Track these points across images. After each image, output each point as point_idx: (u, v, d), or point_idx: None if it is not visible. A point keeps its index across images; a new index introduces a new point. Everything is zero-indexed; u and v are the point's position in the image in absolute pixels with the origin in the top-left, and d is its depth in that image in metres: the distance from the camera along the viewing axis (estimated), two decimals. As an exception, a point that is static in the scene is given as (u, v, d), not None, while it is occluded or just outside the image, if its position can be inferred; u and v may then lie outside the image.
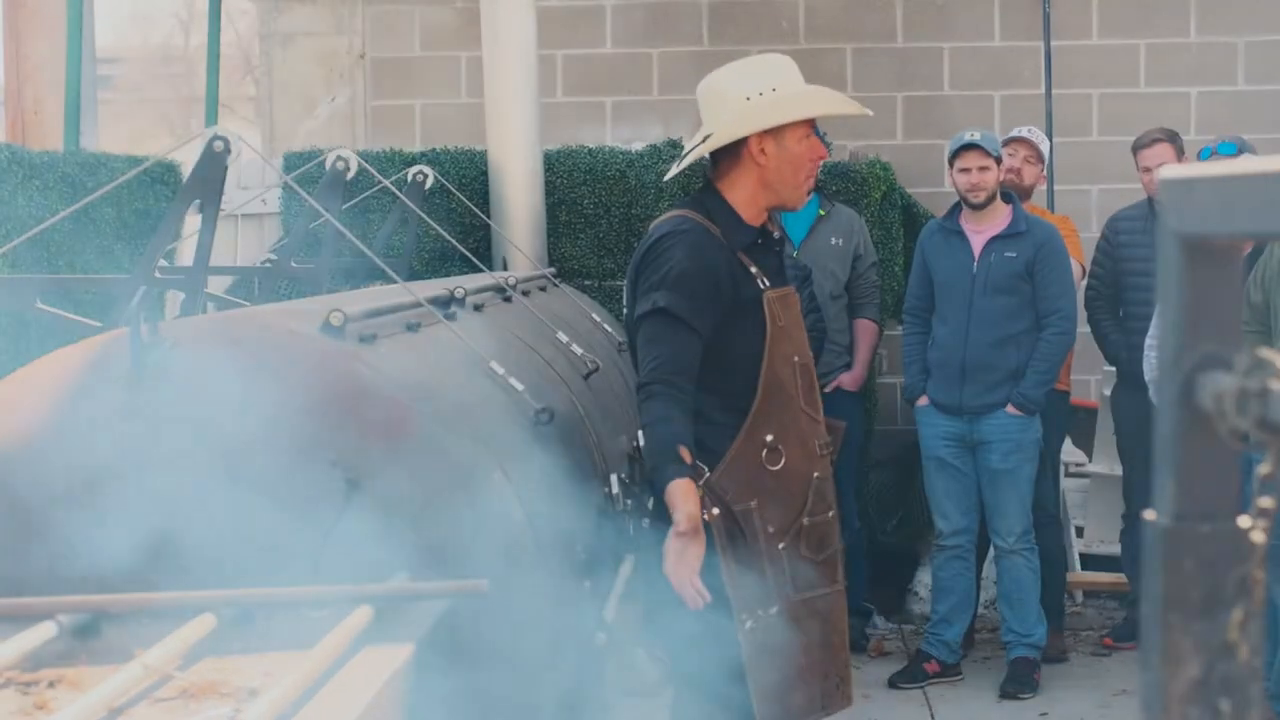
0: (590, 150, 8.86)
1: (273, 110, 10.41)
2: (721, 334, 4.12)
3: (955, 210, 7.56)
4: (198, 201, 4.54)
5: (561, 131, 9.41)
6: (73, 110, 8.53)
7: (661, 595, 4.08)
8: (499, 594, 3.15)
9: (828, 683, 4.27)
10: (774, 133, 4.16)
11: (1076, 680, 7.60)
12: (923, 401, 7.53)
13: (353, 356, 3.66)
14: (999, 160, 7.41)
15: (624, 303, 4.38)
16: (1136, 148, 7.83)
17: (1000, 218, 7.43)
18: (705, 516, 4.00)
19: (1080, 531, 9.15)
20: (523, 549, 3.66)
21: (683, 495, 3.95)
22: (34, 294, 4.65)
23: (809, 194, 4.44)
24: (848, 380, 8.03)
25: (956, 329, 7.38)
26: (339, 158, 6.13)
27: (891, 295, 8.51)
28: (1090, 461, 9.19)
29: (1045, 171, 8.42)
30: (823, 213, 8.01)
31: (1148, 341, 6.99)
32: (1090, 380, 9.34)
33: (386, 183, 5.63)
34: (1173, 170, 1.49)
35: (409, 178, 7.37)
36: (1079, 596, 8.84)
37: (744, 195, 4.22)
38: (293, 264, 6.44)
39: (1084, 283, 8.02)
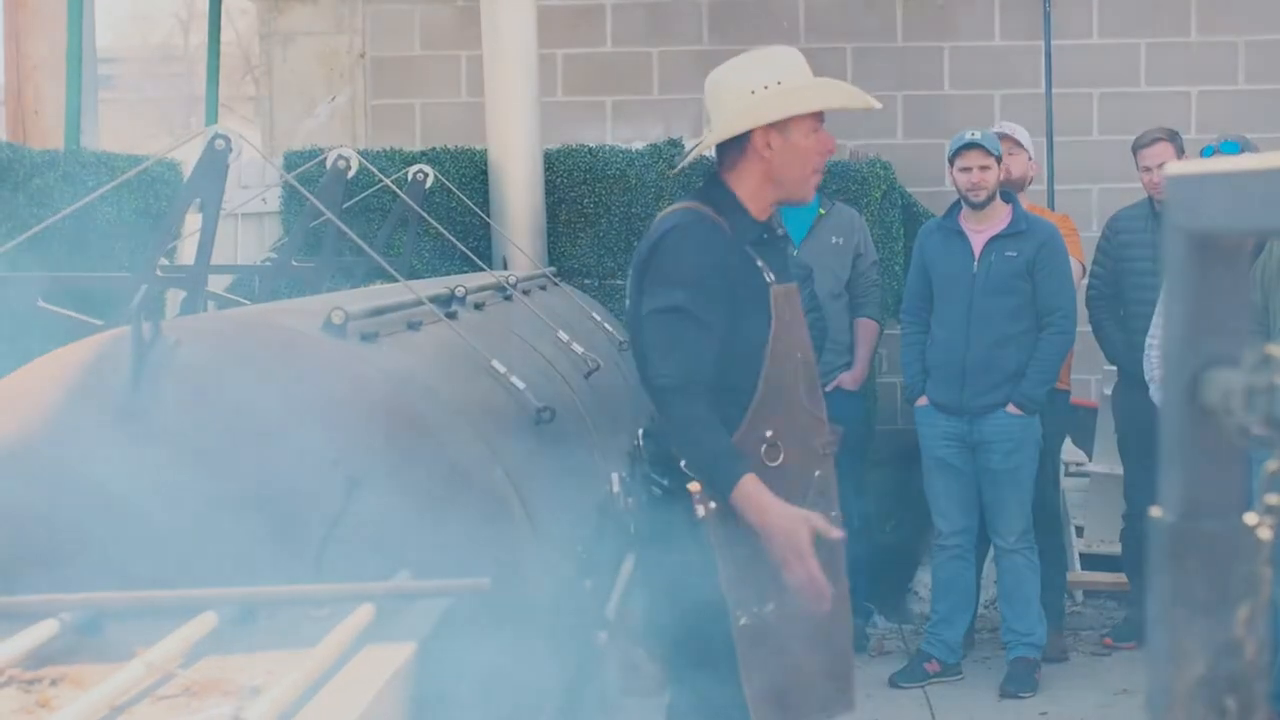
0: (590, 149, 8.86)
1: (273, 110, 10.41)
2: (727, 328, 4.06)
3: (954, 210, 7.55)
4: (198, 200, 4.53)
5: (561, 131, 9.40)
6: (73, 109, 8.53)
7: (658, 593, 4.06)
8: (500, 592, 3.15)
9: (829, 685, 4.21)
10: (780, 126, 4.12)
11: (1077, 680, 7.59)
12: (922, 402, 7.52)
13: (355, 355, 3.66)
14: (999, 159, 7.41)
15: (627, 296, 4.28)
16: (1137, 147, 7.83)
17: (1000, 217, 7.42)
18: (702, 511, 3.98)
19: (1080, 531, 9.14)
20: (524, 547, 3.66)
21: (759, 487, 3.92)
22: (36, 292, 4.65)
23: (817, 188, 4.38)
24: (848, 379, 8.03)
25: (956, 329, 7.37)
26: (340, 156, 6.13)
27: (892, 295, 8.50)
28: (1091, 461, 9.18)
29: (1037, 160, 8.39)
30: (823, 212, 8.01)
31: (1148, 341, 7.00)
32: (1091, 380, 9.33)
33: (387, 182, 5.63)
34: (1180, 167, 1.49)
35: (409, 177, 7.36)
36: (1079, 596, 8.84)
37: (750, 189, 4.17)
38: (293, 263, 6.44)
39: (1084, 282, 8.01)
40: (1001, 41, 9.85)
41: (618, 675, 5.04)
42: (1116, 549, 8.49)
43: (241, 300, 6.03)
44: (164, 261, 4.82)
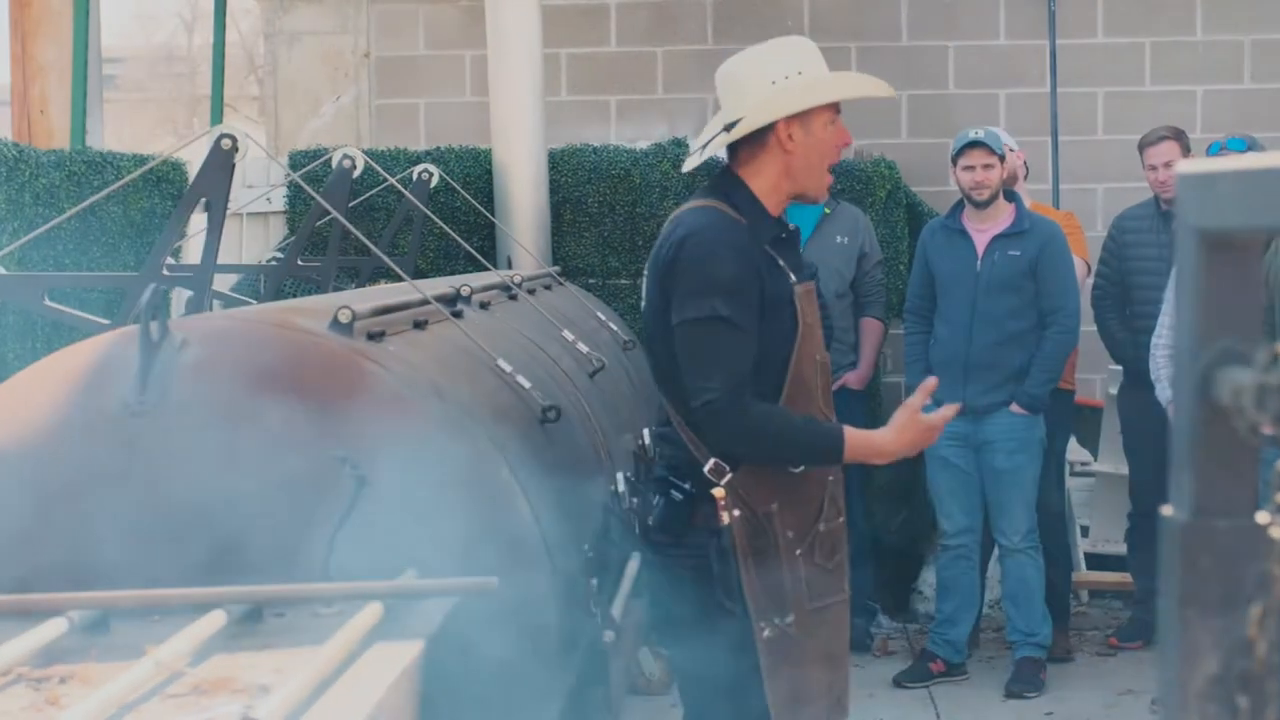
0: (595, 149, 8.86)
1: (277, 109, 10.42)
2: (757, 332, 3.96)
3: (957, 209, 7.54)
4: (204, 200, 4.53)
5: (566, 130, 9.41)
6: (79, 109, 8.55)
7: (674, 599, 4.00)
8: (506, 591, 3.15)
9: (831, 695, 4.16)
10: (801, 118, 3.98)
11: (1082, 680, 7.59)
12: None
13: (361, 354, 3.66)
14: (1003, 158, 7.40)
15: (643, 298, 4.18)
16: (1143, 146, 7.82)
17: (1003, 216, 7.42)
18: (727, 519, 3.88)
19: (1085, 531, 9.14)
20: (530, 546, 3.66)
21: (856, 434, 3.96)
22: (42, 291, 4.65)
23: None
24: (853, 379, 8.03)
25: (960, 328, 7.37)
26: (346, 156, 6.14)
27: (896, 294, 8.50)
28: (1096, 460, 9.18)
29: (1023, 150, 8.36)
30: (828, 211, 8.01)
31: (1154, 340, 6.99)
32: (1096, 379, 9.33)
33: (392, 181, 5.63)
34: (1192, 165, 1.49)
35: (414, 176, 7.37)
36: (1084, 596, 8.83)
37: (767, 184, 4.04)
38: (299, 262, 6.44)
39: (1089, 280, 8.01)
40: (1006, 40, 9.85)
41: (624, 675, 5.04)
42: (1122, 549, 8.48)
43: (247, 299, 6.04)
44: (170, 260, 4.81)
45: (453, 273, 7.53)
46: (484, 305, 5.29)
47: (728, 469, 3.90)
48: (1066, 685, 7.49)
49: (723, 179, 4.10)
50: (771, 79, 3.99)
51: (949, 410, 4.10)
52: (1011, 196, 7.49)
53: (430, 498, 3.43)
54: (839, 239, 8.01)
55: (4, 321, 5.82)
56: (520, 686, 3.46)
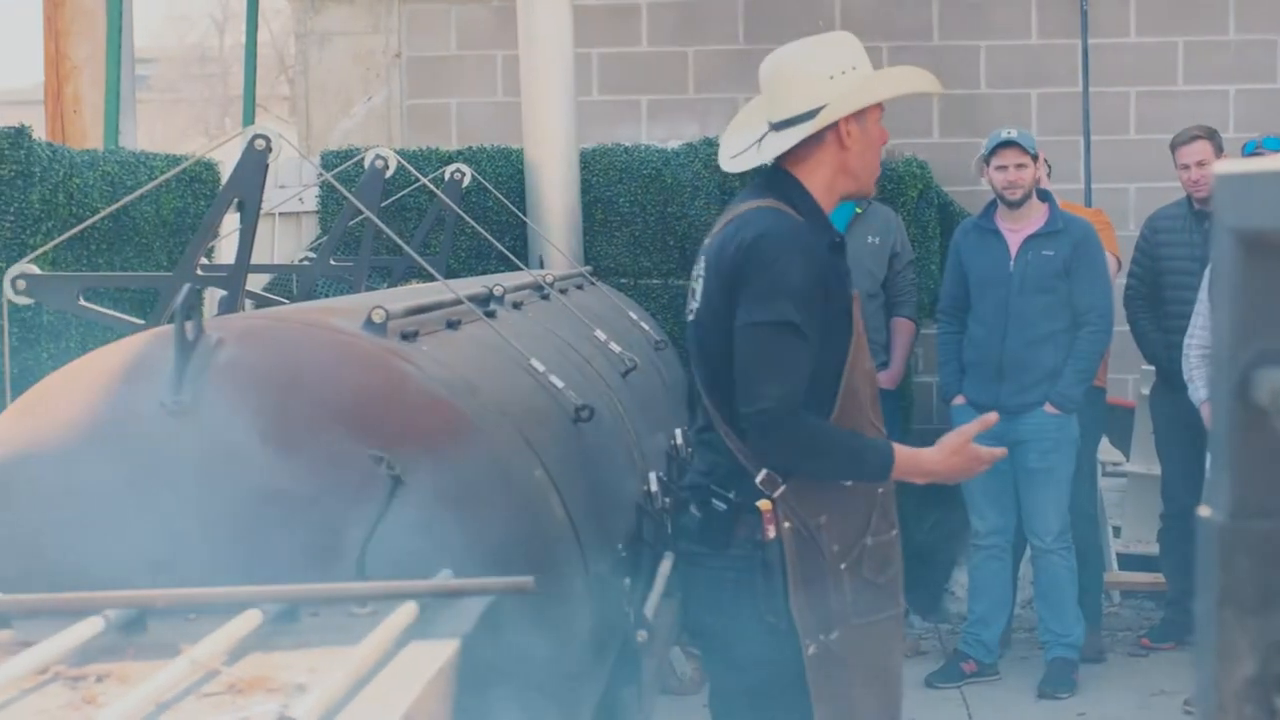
0: (626, 149, 8.87)
1: (309, 109, 10.45)
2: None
3: (990, 209, 7.54)
4: (237, 200, 4.54)
5: (597, 130, 9.42)
6: (112, 109, 8.58)
7: (713, 611, 3.94)
8: (539, 591, 3.15)
9: (884, 716, 4.05)
10: (858, 114, 3.91)
11: (1114, 680, 7.57)
12: (959, 401, 7.51)
13: (395, 353, 3.67)
14: (1036, 158, 7.39)
15: (694, 297, 4.03)
16: (1175, 145, 7.81)
17: (1037, 216, 7.41)
18: (775, 531, 3.81)
19: (1118, 531, 9.12)
20: (563, 546, 3.66)
21: (905, 452, 3.93)
22: (77, 291, 4.66)
23: None
24: (884, 379, 8.02)
25: (993, 328, 7.36)
26: (378, 156, 6.15)
27: (928, 294, 8.49)
28: (1128, 461, 9.15)
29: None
30: (859, 211, 8.01)
31: (1186, 340, 6.97)
32: (1128, 380, 9.31)
33: (425, 181, 5.64)
34: (1228, 165, 1.48)
35: (446, 176, 7.38)
36: (1116, 596, 8.81)
37: (823, 181, 3.97)
38: (331, 261, 6.46)
39: (1119, 278, 7.99)
40: (1038, 40, 9.83)
41: (656, 675, 5.04)
42: (1154, 549, 8.46)
43: (280, 299, 6.06)
44: (203, 260, 4.83)
45: (484, 272, 7.54)
46: (517, 305, 5.30)
47: (780, 481, 3.83)
48: (1099, 686, 7.48)
49: (776, 177, 4.01)
50: (829, 74, 3.92)
51: (989, 418, 4.07)
52: (1045, 196, 7.48)
53: (464, 497, 3.44)
54: (871, 239, 8.01)
55: (39, 321, 5.85)
56: (553, 686, 3.46)
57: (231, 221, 5.27)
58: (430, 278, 4.92)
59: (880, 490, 4.02)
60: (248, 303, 5.33)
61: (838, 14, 9.88)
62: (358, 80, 10.33)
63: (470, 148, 8.85)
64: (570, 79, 8.41)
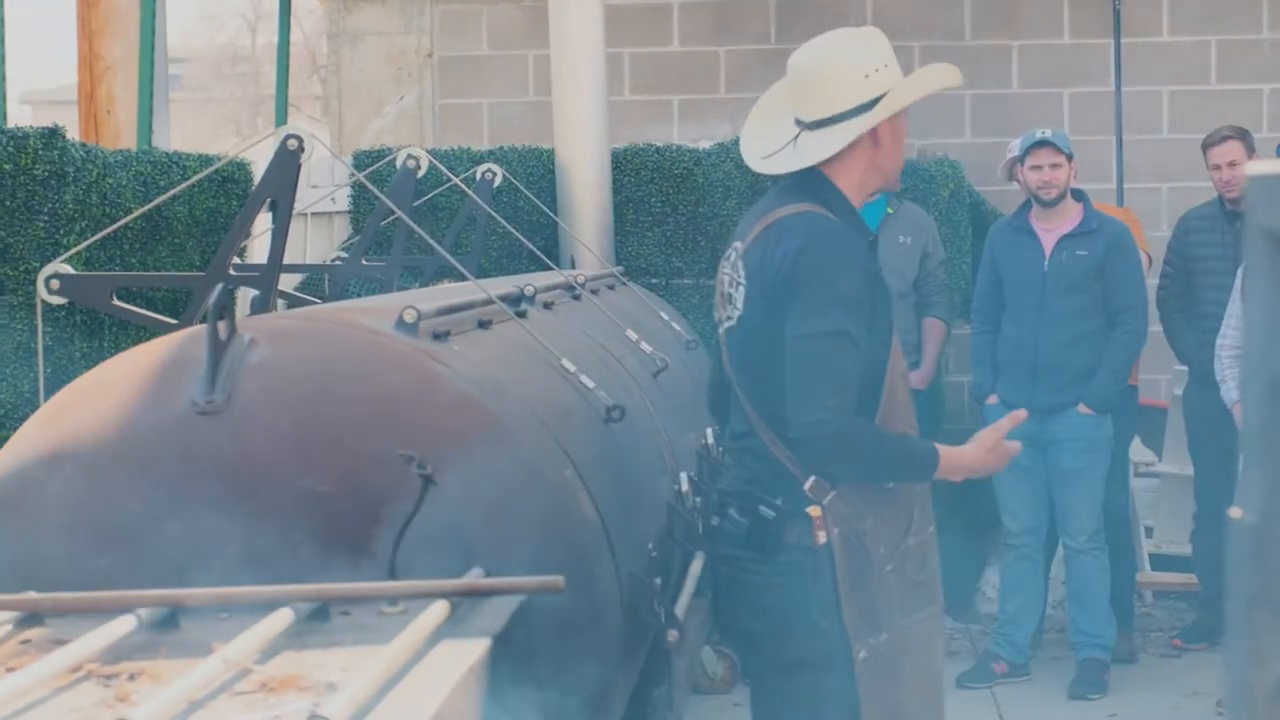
0: (657, 149, 8.86)
1: (341, 109, 10.48)
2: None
3: (1025, 208, 7.52)
4: (269, 200, 4.56)
5: (628, 130, 9.42)
6: (145, 109, 8.60)
7: (761, 617, 3.94)
8: (570, 590, 3.15)
9: (928, 715, 4.03)
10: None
11: (1146, 681, 7.55)
12: (992, 400, 7.49)
13: (427, 353, 3.68)
14: (1070, 157, 7.38)
15: (728, 303, 4.00)
16: (1207, 145, 7.78)
17: (1071, 216, 7.39)
18: (824, 538, 3.80)
19: (1150, 532, 9.09)
20: (594, 546, 3.67)
21: (947, 452, 3.92)
22: (110, 291, 4.69)
23: None
24: (916, 379, 7.99)
25: (1028, 328, 7.35)
26: (410, 156, 6.17)
27: (959, 294, 8.48)
28: (1160, 461, 9.13)
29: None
30: (891, 210, 7.99)
31: (1219, 341, 6.95)
32: (1161, 380, 9.28)
33: (457, 181, 5.65)
34: (1261, 166, 1.48)
35: (478, 176, 7.39)
36: (1149, 597, 8.78)
37: (854, 180, 3.95)
38: (363, 261, 6.48)
39: (1151, 277, 7.96)
40: (1070, 40, 9.81)
41: (687, 674, 5.04)
42: (1186, 550, 8.43)
43: (312, 299, 6.08)
44: (235, 260, 4.85)
45: (515, 272, 7.54)
46: (548, 305, 5.30)
47: (829, 487, 3.82)
48: (1130, 687, 7.45)
49: (807, 178, 3.96)
50: (865, 72, 3.88)
51: (1019, 414, 4.07)
52: (1080, 196, 7.46)
53: (495, 497, 3.44)
54: (902, 239, 7.99)
55: (72, 321, 5.87)
56: (584, 686, 3.46)
57: (264, 221, 5.29)
58: (462, 277, 4.93)
59: (919, 488, 4.03)
60: (280, 303, 5.35)
61: (870, 13, 9.87)
62: (390, 80, 10.35)
63: (501, 147, 8.86)
64: (602, 79, 8.41)
